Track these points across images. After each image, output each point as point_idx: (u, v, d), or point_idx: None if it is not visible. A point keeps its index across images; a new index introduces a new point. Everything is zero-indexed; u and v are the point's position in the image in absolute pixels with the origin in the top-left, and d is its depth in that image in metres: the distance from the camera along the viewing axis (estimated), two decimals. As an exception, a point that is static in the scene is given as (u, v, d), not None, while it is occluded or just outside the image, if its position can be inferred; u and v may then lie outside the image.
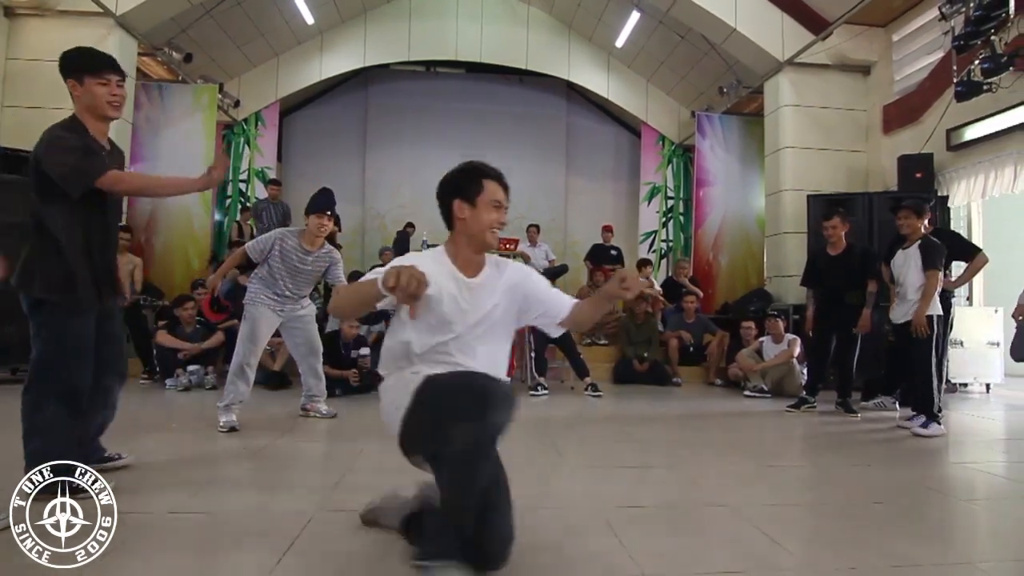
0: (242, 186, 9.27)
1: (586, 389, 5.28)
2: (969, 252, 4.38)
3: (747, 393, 5.43)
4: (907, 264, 3.94)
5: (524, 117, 10.93)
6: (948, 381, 5.37)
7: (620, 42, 9.02)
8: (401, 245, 8.51)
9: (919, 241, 3.93)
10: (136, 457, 2.57)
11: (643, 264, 7.61)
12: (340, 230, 7.85)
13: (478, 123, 10.77)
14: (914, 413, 3.91)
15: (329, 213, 3.71)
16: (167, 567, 1.63)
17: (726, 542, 1.89)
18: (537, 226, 8.50)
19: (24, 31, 6.06)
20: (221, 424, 3.36)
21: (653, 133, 10.10)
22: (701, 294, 7.17)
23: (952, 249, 4.19)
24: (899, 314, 3.98)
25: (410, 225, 9.01)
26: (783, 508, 2.26)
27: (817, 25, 6.88)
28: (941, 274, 3.90)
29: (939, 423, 3.73)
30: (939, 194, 5.97)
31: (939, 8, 5.41)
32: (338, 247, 8.68)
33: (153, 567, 1.62)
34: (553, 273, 7.02)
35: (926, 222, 4.01)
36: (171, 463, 2.67)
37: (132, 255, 6.20)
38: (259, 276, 3.62)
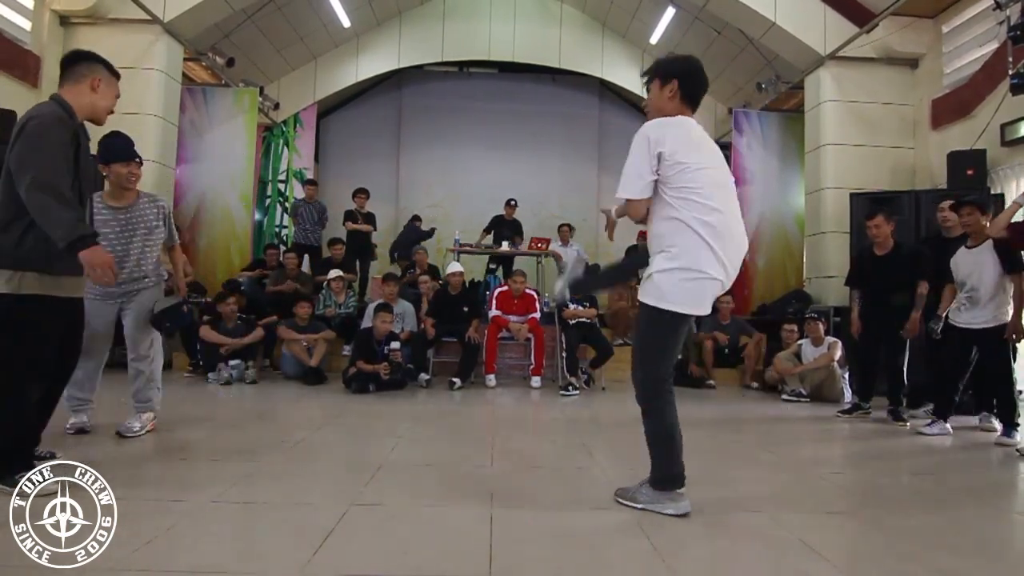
0: (281, 186, 9.51)
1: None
2: None
3: (784, 397, 5.29)
4: (978, 265, 3.70)
5: (556, 116, 10.90)
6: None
7: (655, 38, 8.89)
8: (408, 236, 8.37)
9: (988, 241, 3.69)
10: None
11: None
12: (375, 229, 7.97)
13: (510, 123, 10.79)
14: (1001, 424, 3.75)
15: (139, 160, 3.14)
16: (210, 552, 1.68)
17: (763, 550, 1.84)
18: (569, 225, 8.47)
19: (79, 39, 6.34)
20: (136, 429, 2.94)
21: (688, 131, 9.92)
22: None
23: None
24: (970, 318, 3.74)
25: (416, 218, 8.84)
26: (823, 516, 2.19)
27: (861, 17, 6.65)
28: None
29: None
30: (992, 192, 5.69)
31: (994, -3, 5.17)
32: (373, 247, 8.63)
33: (197, 551, 1.67)
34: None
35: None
36: (213, 454, 2.77)
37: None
38: None
